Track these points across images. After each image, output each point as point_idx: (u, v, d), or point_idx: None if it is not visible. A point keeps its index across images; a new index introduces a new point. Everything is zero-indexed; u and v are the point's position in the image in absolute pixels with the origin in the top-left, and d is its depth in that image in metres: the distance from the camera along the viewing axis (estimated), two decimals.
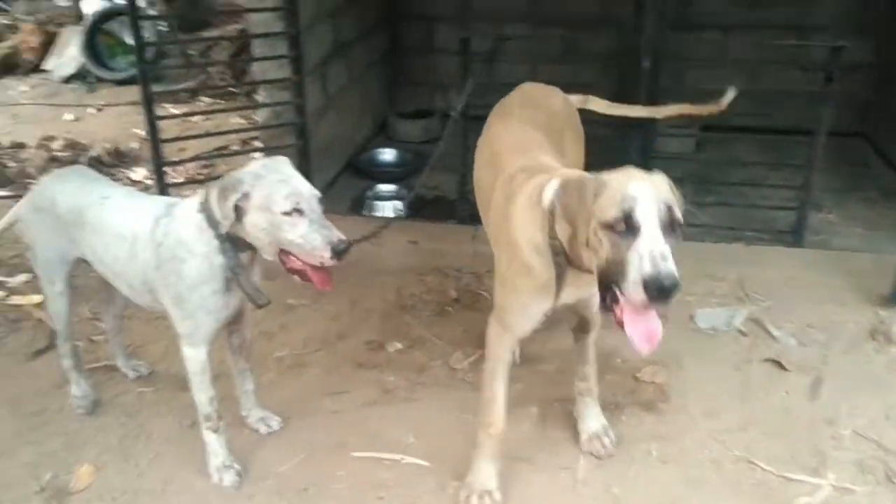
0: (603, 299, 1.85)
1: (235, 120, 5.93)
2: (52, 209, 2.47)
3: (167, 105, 6.42)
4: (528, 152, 2.32)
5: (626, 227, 1.74)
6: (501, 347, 2.24)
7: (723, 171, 4.33)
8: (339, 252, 2.08)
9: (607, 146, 3.23)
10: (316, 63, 3.98)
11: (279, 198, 2.06)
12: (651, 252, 1.70)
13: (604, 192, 1.80)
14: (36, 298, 3.59)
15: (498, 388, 2.29)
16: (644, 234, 1.72)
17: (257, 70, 3.74)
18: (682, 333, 3.14)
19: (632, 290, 1.72)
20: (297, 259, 2.13)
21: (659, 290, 1.68)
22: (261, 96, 3.87)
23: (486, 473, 2.32)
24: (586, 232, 1.84)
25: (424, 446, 2.58)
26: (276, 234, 2.10)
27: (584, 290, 2.13)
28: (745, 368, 2.93)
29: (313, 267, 2.14)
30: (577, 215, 1.85)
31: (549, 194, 2.00)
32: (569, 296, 2.12)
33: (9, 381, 3.02)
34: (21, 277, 3.83)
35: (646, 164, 3.76)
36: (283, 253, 2.14)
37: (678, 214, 1.79)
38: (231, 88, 6.65)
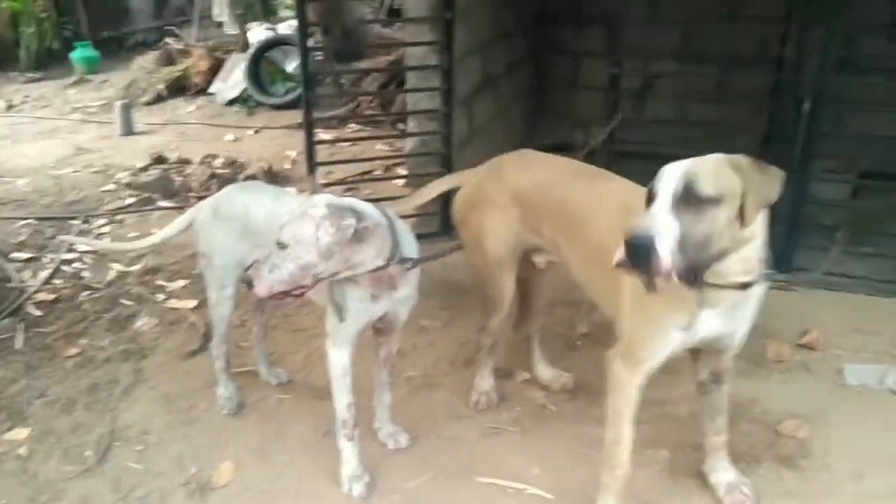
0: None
1: (380, 147, 6.16)
2: (243, 217, 2.63)
3: (318, 130, 6.75)
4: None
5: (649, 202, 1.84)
6: (629, 385, 2.20)
7: (882, 222, 4.08)
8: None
9: None
10: (465, 95, 4.10)
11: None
12: (647, 217, 1.80)
13: None
14: (192, 303, 3.88)
15: (624, 429, 2.25)
16: (653, 205, 1.82)
17: (410, 100, 3.89)
18: (828, 388, 2.97)
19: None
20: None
21: (627, 248, 1.79)
22: (410, 125, 4.02)
23: None
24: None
25: (548, 479, 2.57)
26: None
27: (728, 321, 2.09)
28: None
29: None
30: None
31: None
32: (710, 325, 2.07)
33: (164, 378, 3.27)
34: (179, 283, 4.14)
35: (799, 209, 3.63)
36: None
37: (700, 188, 1.79)
38: (378, 117, 6.93)
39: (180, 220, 2.91)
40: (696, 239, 1.79)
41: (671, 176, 1.83)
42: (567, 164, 2.64)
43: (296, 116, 6.48)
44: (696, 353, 2.34)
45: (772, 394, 2.96)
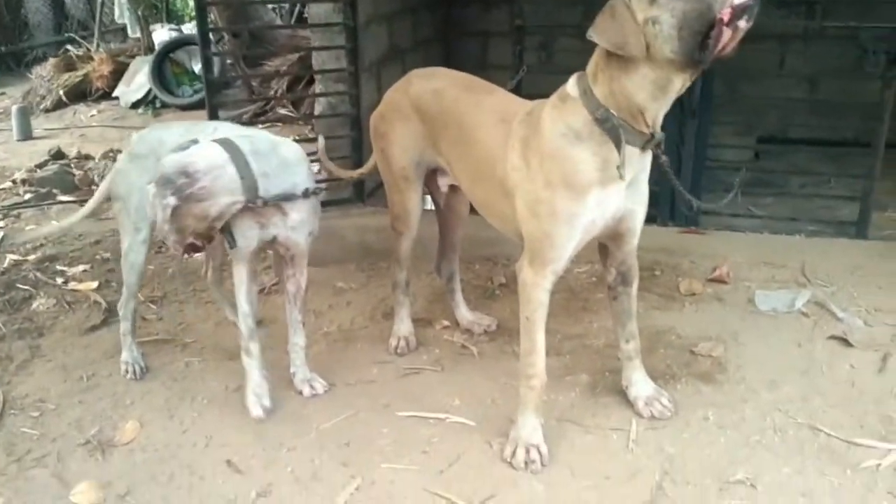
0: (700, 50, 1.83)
1: (293, 139, 6.06)
2: (157, 150, 2.57)
3: None
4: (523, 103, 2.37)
5: None
6: (539, 289, 2.17)
7: (782, 179, 4.24)
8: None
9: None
10: (372, 61, 4.07)
11: None
12: None
13: None
14: (93, 284, 3.70)
15: (538, 338, 2.22)
16: None
17: (315, 60, 3.83)
18: (740, 314, 3.02)
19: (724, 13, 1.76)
20: None
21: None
22: (318, 87, 3.96)
23: (530, 427, 2.24)
24: (639, 34, 1.84)
25: (470, 408, 2.52)
26: None
27: (628, 198, 2.10)
28: (807, 345, 2.78)
29: None
30: (622, 29, 1.86)
31: (572, 84, 2.07)
32: (614, 198, 2.08)
33: (62, 352, 3.08)
34: (80, 267, 3.94)
35: (701, 171, 3.72)
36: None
37: None
38: (289, 112, 6.83)
39: (106, 180, 2.88)
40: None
41: None
42: (463, 77, 2.62)
43: (203, 117, 6.31)
44: (603, 254, 2.33)
45: (687, 322, 2.99)
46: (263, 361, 2.60)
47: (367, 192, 3.96)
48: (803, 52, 5.06)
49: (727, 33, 1.79)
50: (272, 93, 6.98)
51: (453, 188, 2.75)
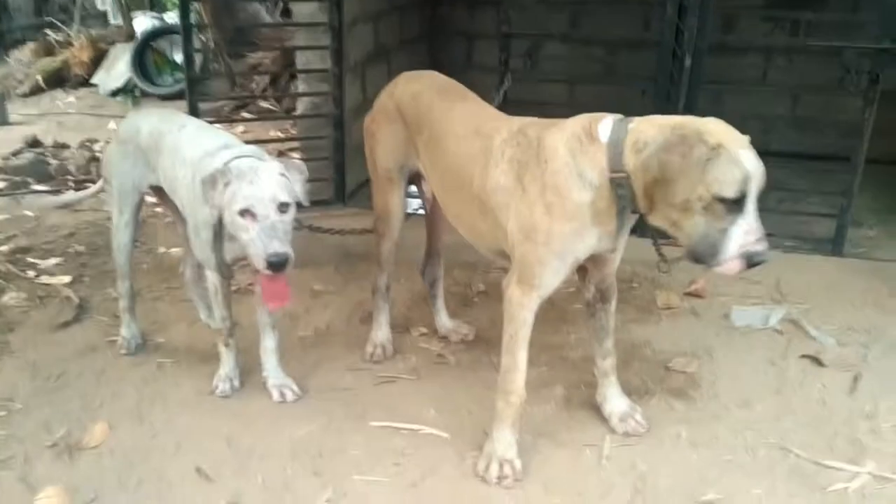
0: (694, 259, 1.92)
1: (274, 133, 6.03)
2: (135, 137, 2.67)
3: (209, 119, 6.56)
4: (500, 116, 2.36)
5: (737, 202, 1.82)
6: (525, 310, 2.17)
7: (762, 194, 4.27)
8: (273, 264, 2.17)
9: None
10: (357, 61, 4.04)
11: (239, 196, 2.19)
12: (754, 230, 1.85)
13: (718, 162, 1.81)
14: (65, 279, 3.63)
15: (520, 356, 2.21)
16: (749, 211, 1.84)
17: (299, 59, 3.79)
18: (715, 330, 3.05)
19: (729, 261, 1.86)
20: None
21: (754, 265, 1.86)
22: (301, 86, 3.92)
23: (506, 442, 2.23)
24: (688, 195, 1.84)
25: (444, 419, 2.51)
26: (236, 233, 2.24)
27: (620, 239, 2.13)
28: (780, 364, 2.81)
29: (266, 278, 2.25)
30: (681, 176, 1.83)
31: (606, 130, 1.99)
32: (604, 242, 2.09)
33: (31, 349, 3.02)
34: (52, 261, 3.87)
35: None
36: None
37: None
38: (270, 107, 6.77)
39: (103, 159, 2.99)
40: None
41: (758, 181, 1.84)
42: (442, 81, 2.60)
43: (184, 107, 6.23)
44: (582, 271, 2.33)
45: (662, 336, 3.00)
46: (238, 355, 2.69)
47: (348, 193, 3.94)
48: (787, 67, 5.09)
49: (731, 266, 1.87)
50: (254, 86, 6.92)
51: None
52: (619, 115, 2.04)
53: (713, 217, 1.84)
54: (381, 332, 2.90)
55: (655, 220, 1.97)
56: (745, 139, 1.90)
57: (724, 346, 2.92)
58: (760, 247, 1.85)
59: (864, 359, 2.83)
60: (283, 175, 2.27)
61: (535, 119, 2.23)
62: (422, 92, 2.53)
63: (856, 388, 2.65)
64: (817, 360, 2.80)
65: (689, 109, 3.51)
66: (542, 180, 2.05)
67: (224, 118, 6.56)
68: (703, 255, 1.89)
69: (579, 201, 2.01)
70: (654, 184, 1.87)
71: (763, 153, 4.61)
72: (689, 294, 3.29)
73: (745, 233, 1.84)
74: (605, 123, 2.01)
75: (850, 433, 2.43)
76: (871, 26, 3.52)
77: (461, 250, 3.53)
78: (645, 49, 4.32)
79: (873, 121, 3.44)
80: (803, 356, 2.84)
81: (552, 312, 3.19)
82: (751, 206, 1.84)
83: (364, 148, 2.82)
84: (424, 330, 3.09)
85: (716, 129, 1.87)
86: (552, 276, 2.13)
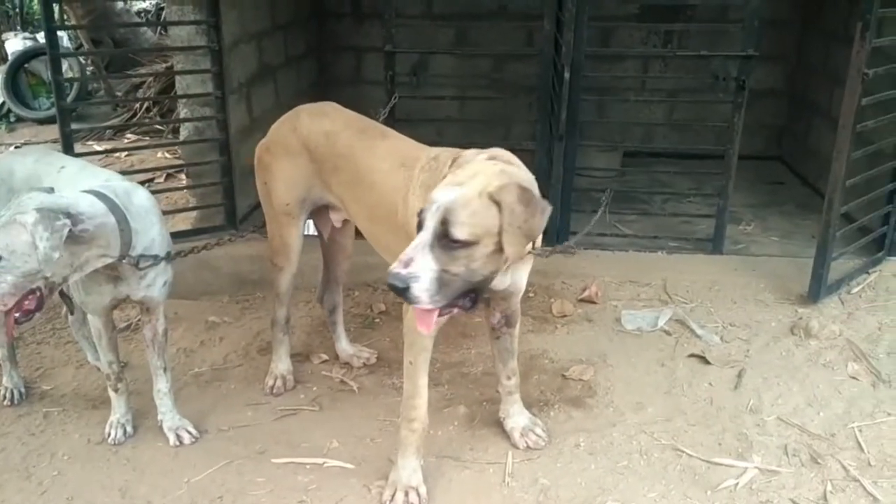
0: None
1: (161, 155, 5.83)
2: (8, 180, 2.49)
3: (92, 143, 6.30)
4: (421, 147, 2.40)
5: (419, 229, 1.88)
6: (424, 336, 2.18)
7: (646, 197, 4.45)
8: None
9: (530, 159, 3.27)
10: (241, 82, 3.95)
11: None
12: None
13: None
14: None
15: (421, 382, 2.23)
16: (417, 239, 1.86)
17: (179, 85, 3.67)
18: (608, 335, 3.15)
19: None
20: None
21: (390, 288, 1.85)
22: (183, 112, 3.80)
23: (410, 470, 2.24)
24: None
25: (348, 450, 2.50)
26: None
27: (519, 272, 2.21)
28: (669, 364, 2.93)
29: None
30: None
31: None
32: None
33: None
34: None
35: (569, 192, 3.83)
36: None
37: (454, 231, 1.82)
38: (157, 126, 6.54)
39: None
40: (455, 274, 1.84)
41: (435, 209, 1.84)
42: (357, 118, 2.60)
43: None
44: (487, 300, 2.36)
45: (559, 345, 3.08)
46: (130, 398, 2.60)
47: (240, 218, 3.84)
48: (663, 75, 5.32)
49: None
50: (138, 104, 6.67)
51: (346, 223, 2.74)
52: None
53: None
54: (282, 364, 2.86)
55: None
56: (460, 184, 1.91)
57: (618, 351, 3.03)
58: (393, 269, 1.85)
59: (747, 354, 2.99)
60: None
61: (451, 148, 2.25)
62: (337, 132, 2.51)
63: (740, 384, 2.80)
64: (704, 359, 2.94)
65: (571, 118, 3.61)
66: None
67: (106, 140, 6.34)
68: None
69: None
70: None
71: (647, 155, 4.80)
72: (583, 300, 3.39)
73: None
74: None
75: (736, 429, 2.56)
76: (737, 35, 3.69)
77: (361, 271, 3.54)
78: (529, 62, 4.40)
79: (742, 123, 3.62)
80: (691, 355, 2.98)
81: (452, 328, 3.22)
82: (422, 236, 1.86)
83: (255, 175, 2.77)
84: (325, 357, 3.06)
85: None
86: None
